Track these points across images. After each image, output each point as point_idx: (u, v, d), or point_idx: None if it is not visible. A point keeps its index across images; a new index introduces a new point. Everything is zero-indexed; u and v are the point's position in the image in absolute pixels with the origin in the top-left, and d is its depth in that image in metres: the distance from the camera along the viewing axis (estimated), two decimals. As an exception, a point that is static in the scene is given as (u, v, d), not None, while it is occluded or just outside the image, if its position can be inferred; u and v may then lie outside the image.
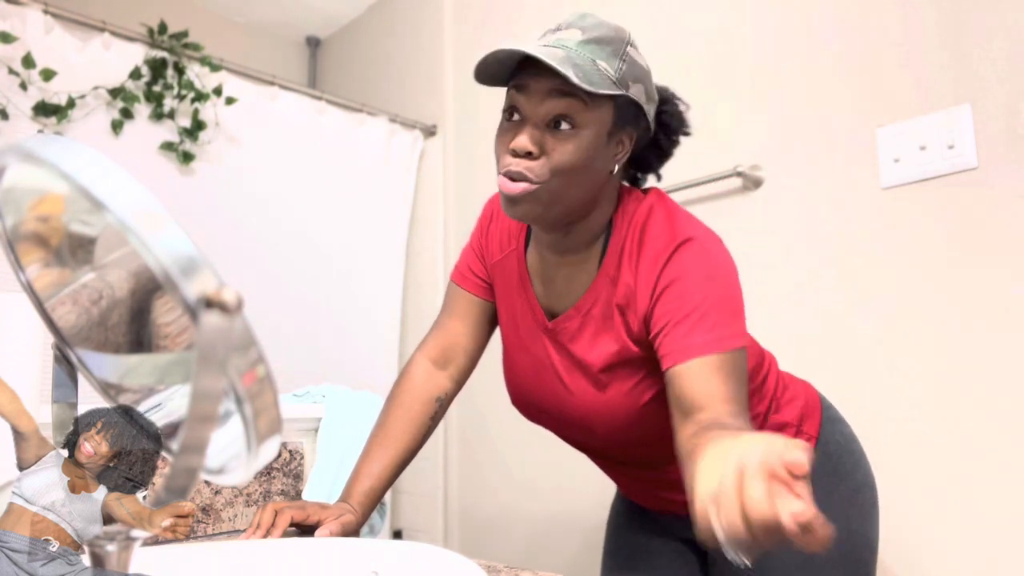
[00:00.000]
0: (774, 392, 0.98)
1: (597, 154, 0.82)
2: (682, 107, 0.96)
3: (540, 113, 0.80)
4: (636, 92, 0.83)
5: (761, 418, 0.95)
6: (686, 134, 0.95)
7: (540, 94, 0.80)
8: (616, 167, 0.86)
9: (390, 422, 1.02)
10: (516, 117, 0.83)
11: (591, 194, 0.85)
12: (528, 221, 0.85)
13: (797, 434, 0.97)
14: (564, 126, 0.80)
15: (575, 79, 0.75)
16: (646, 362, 0.87)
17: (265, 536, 0.85)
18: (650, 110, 0.87)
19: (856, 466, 1.00)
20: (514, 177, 0.81)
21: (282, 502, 0.90)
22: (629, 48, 0.82)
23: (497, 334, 1.07)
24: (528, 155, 0.80)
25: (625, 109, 0.83)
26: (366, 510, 0.95)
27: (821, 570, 0.92)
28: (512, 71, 0.83)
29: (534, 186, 0.80)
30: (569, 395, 0.93)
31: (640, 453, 0.96)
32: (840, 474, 0.97)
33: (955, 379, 1.29)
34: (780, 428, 0.96)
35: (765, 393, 0.97)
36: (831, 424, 1.02)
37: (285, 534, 0.86)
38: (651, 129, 0.89)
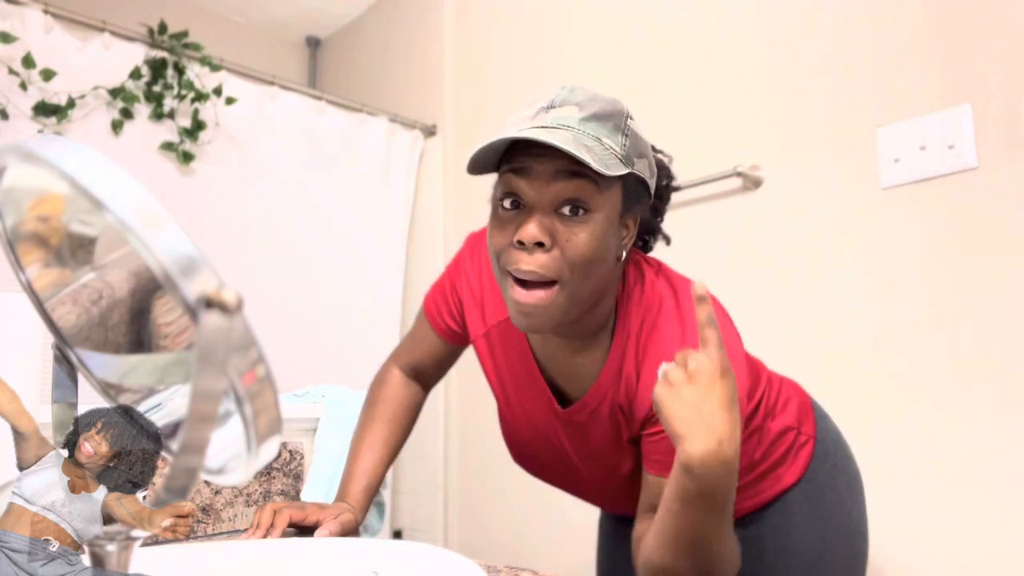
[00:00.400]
0: (772, 401, 0.97)
1: (609, 242, 0.74)
2: (665, 159, 0.91)
3: (547, 198, 0.72)
4: (641, 168, 0.76)
5: (761, 427, 0.94)
6: (676, 189, 0.93)
7: (546, 177, 0.71)
8: (623, 254, 0.79)
9: (376, 424, 1.04)
10: (515, 205, 0.74)
11: (601, 288, 0.77)
12: (542, 332, 0.76)
13: (798, 436, 0.97)
14: (576, 211, 0.71)
15: (593, 163, 0.67)
16: None
17: (264, 536, 0.85)
18: (652, 184, 0.80)
19: (847, 459, 1.01)
20: (527, 279, 0.72)
21: (281, 502, 0.91)
22: (629, 121, 0.76)
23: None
24: (539, 246, 0.71)
25: (633, 188, 0.77)
26: (364, 508, 0.97)
27: (828, 561, 0.94)
28: (502, 154, 0.76)
29: (552, 291, 0.72)
30: (580, 474, 0.94)
31: None
32: (837, 468, 0.99)
33: (954, 379, 1.29)
34: (782, 433, 0.96)
35: (762, 406, 0.96)
36: (822, 421, 1.02)
37: (284, 534, 0.86)
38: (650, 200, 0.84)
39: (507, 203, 0.74)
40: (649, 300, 0.82)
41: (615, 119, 0.74)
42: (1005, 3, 1.27)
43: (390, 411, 1.05)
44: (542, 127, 0.71)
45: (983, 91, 1.28)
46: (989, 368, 1.25)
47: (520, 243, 0.72)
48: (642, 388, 0.80)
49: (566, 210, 0.72)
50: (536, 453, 0.99)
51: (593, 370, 0.85)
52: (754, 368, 0.97)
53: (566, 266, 0.72)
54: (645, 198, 0.80)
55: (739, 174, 1.59)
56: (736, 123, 1.65)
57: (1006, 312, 1.24)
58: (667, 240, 0.92)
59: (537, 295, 0.72)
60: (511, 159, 0.74)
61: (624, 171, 0.72)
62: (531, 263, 0.72)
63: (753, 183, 1.60)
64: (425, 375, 1.09)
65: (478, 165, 0.75)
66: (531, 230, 0.71)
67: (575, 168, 0.70)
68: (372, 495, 0.99)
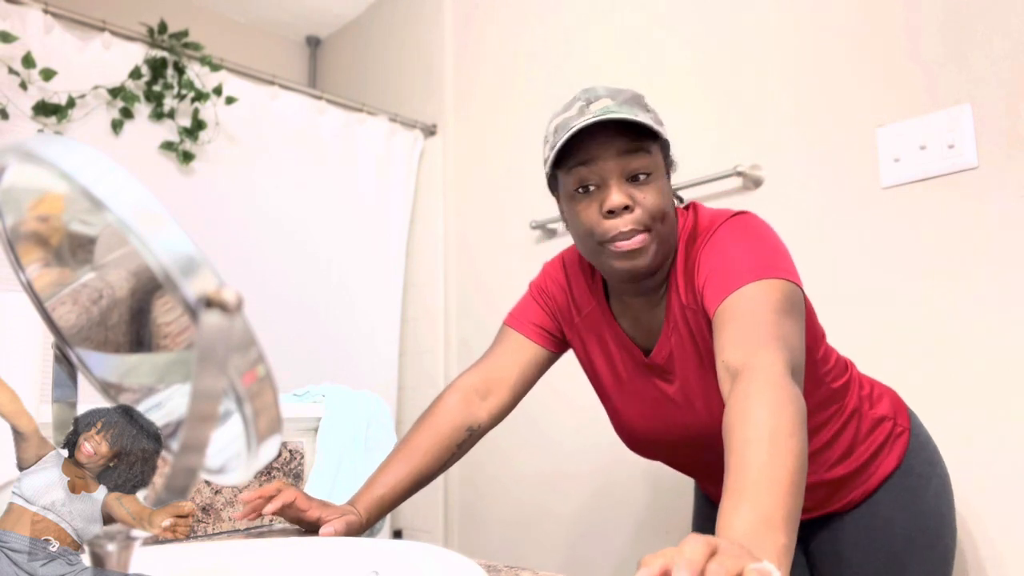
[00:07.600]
0: (867, 391, 1.04)
1: (669, 194, 0.91)
2: None
3: (616, 173, 0.87)
4: (664, 132, 0.92)
5: (860, 413, 1.01)
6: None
7: (612, 158, 0.86)
8: (675, 201, 0.95)
9: (415, 439, 1.00)
10: (589, 189, 0.89)
11: (675, 231, 0.93)
12: (647, 268, 0.89)
13: (895, 427, 1.03)
14: (642, 177, 0.87)
15: (651, 123, 0.85)
16: None
17: (264, 501, 0.85)
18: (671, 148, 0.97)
19: (938, 455, 1.07)
20: (625, 235, 0.87)
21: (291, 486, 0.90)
22: (646, 100, 0.91)
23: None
24: (625, 209, 0.87)
25: (666, 150, 0.92)
26: (371, 516, 0.93)
27: (918, 553, 0.99)
28: (557, 156, 0.89)
29: (645, 235, 0.87)
30: (693, 415, 0.96)
31: None
32: (932, 463, 1.05)
33: (953, 379, 1.29)
34: (879, 421, 1.02)
35: (856, 388, 1.02)
36: (914, 416, 1.09)
37: (287, 533, 0.86)
38: None
39: (582, 190, 0.89)
40: (684, 222, 0.96)
41: (639, 101, 0.89)
42: (1004, 3, 1.27)
43: (436, 429, 1.01)
44: (592, 119, 0.85)
45: (983, 91, 1.28)
46: (988, 367, 1.25)
47: (610, 212, 0.87)
48: (692, 269, 0.91)
49: (633, 179, 0.88)
50: (649, 427, 1.01)
51: (664, 305, 0.96)
52: (841, 359, 1.03)
53: (648, 218, 0.87)
54: (670, 158, 0.95)
55: (739, 173, 1.59)
56: (736, 123, 1.64)
57: (1006, 312, 1.24)
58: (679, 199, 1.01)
59: (635, 240, 0.87)
60: (572, 154, 0.88)
61: (664, 133, 0.89)
62: (625, 223, 0.87)
63: (753, 183, 1.60)
64: (499, 390, 1.05)
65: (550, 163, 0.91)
66: (617, 199, 0.86)
67: (630, 146, 0.86)
68: (386, 507, 0.95)
